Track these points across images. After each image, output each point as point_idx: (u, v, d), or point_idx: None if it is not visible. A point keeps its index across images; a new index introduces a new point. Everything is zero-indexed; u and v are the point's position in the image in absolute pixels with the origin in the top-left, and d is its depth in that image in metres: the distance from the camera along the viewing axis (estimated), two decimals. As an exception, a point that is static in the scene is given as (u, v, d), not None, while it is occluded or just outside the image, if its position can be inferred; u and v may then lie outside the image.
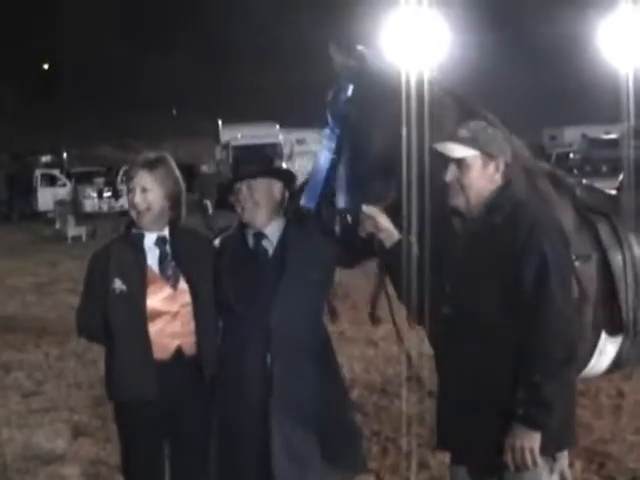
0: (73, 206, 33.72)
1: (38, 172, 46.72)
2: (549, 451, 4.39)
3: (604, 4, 50.83)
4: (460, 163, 4.46)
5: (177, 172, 5.33)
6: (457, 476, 4.76)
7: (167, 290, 5.18)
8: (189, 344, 5.16)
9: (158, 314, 5.13)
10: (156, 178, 5.17)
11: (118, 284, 5.15)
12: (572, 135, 63.98)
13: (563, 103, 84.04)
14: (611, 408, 8.90)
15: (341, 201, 4.83)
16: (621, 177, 21.04)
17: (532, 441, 4.25)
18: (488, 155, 4.46)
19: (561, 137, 65.86)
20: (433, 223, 4.83)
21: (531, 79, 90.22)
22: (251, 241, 5.18)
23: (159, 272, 5.22)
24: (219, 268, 5.18)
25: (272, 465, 5.00)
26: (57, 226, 33.62)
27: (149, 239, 5.24)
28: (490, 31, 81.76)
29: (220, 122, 51.50)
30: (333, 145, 4.91)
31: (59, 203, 36.31)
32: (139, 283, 5.15)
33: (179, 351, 5.15)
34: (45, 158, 57.02)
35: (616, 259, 5.23)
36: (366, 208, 4.78)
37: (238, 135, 47.79)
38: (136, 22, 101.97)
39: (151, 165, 5.20)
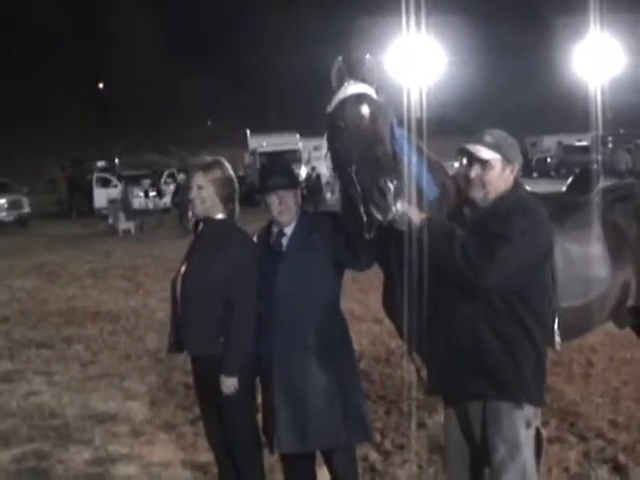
0: (123, 204, 33.60)
1: (94, 175, 46.81)
2: (518, 400, 4.44)
3: (577, 30, 50.78)
4: (484, 163, 4.53)
5: (230, 174, 5.40)
6: (449, 418, 4.80)
7: (182, 270, 5.35)
8: None
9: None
10: (209, 178, 5.25)
11: None
12: (550, 142, 63.90)
13: (542, 115, 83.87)
14: (581, 375, 8.89)
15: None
16: (570, 180, 21.13)
17: None
18: (507, 159, 4.55)
19: (540, 144, 65.74)
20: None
21: (515, 94, 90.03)
22: (272, 239, 5.27)
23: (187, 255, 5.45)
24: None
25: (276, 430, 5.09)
26: (110, 221, 33.70)
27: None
28: (481, 52, 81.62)
29: (248, 132, 51.44)
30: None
31: (111, 201, 36.33)
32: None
33: None
34: (100, 163, 56.88)
35: None
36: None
37: (263, 143, 47.72)
38: (177, 47, 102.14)
39: (206, 167, 5.29)
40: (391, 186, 4.32)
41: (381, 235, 4.60)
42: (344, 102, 4.70)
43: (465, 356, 4.47)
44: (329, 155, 4.83)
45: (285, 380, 5.04)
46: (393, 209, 4.36)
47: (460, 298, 4.47)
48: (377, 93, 4.82)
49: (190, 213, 28.46)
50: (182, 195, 30.29)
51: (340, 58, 4.85)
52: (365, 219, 4.45)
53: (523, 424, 4.46)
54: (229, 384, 5.07)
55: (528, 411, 4.48)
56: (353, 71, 4.86)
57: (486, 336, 4.42)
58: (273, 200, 5.17)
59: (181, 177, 33.52)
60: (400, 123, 4.93)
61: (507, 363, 4.42)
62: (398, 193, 4.38)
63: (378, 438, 7.08)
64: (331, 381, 5.04)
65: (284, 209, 5.16)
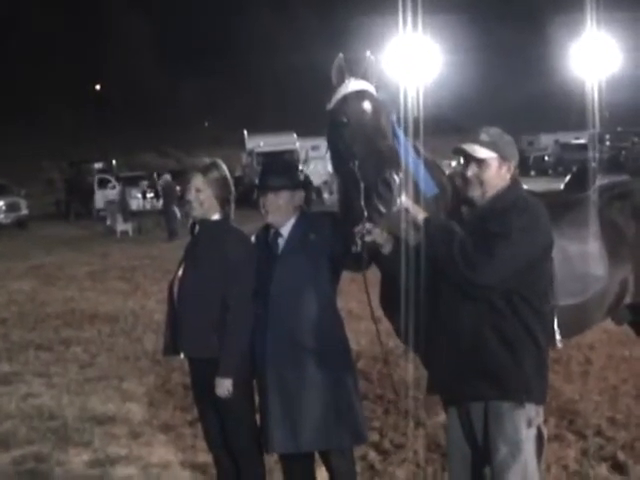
0: (121, 205, 33.56)
1: (96, 177, 46.55)
2: (519, 399, 4.43)
3: (574, 28, 50.84)
4: (480, 162, 4.52)
5: (227, 176, 5.38)
6: (450, 418, 4.79)
7: (179, 273, 5.32)
8: None
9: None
10: (207, 180, 5.23)
11: None
12: (547, 140, 63.82)
13: (539, 113, 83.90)
14: (580, 373, 8.89)
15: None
16: (567, 178, 21.20)
17: None
18: (503, 158, 4.54)
19: (537, 142, 65.62)
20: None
21: (512, 92, 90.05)
22: (270, 239, 5.24)
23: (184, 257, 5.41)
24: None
25: (269, 432, 5.07)
26: (108, 222, 33.68)
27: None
28: (477, 51, 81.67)
29: (246, 132, 51.28)
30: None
31: (109, 203, 36.33)
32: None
33: None
34: (98, 165, 56.89)
35: None
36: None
37: (261, 143, 47.54)
38: (174, 49, 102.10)
39: (204, 170, 5.28)
40: (397, 178, 4.35)
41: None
42: (346, 98, 4.72)
43: (466, 357, 4.46)
44: (329, 152, 4.83)
45: (279, 380, 5.02)
46: (398, 201, 4.38)
47: (461, 298, 4.45)
48: (377, 90, 4.84)
49: (177, 216, 28.54)
50: (167, 197, 30.22)
51: (341, 55, 4.86)
52: (366, 213, 4.45)
53: (525, 423, 4.45)
54: (224, 386, 5.05)
55: (530, 410, 4.47)
56: (353, 68, 4.88)
57: (488, 336, 4.41)
58: (260, 201, 5.17)
59: (163, 179, 33.11)
60: (398, 121, 4.94)
61: (509, 363, 4.41)
62: (402, 186, 4.41)
63: (377, 437, 7.09)
64: (325, 382, 5.01)
65: (270, 210, 5.12)
